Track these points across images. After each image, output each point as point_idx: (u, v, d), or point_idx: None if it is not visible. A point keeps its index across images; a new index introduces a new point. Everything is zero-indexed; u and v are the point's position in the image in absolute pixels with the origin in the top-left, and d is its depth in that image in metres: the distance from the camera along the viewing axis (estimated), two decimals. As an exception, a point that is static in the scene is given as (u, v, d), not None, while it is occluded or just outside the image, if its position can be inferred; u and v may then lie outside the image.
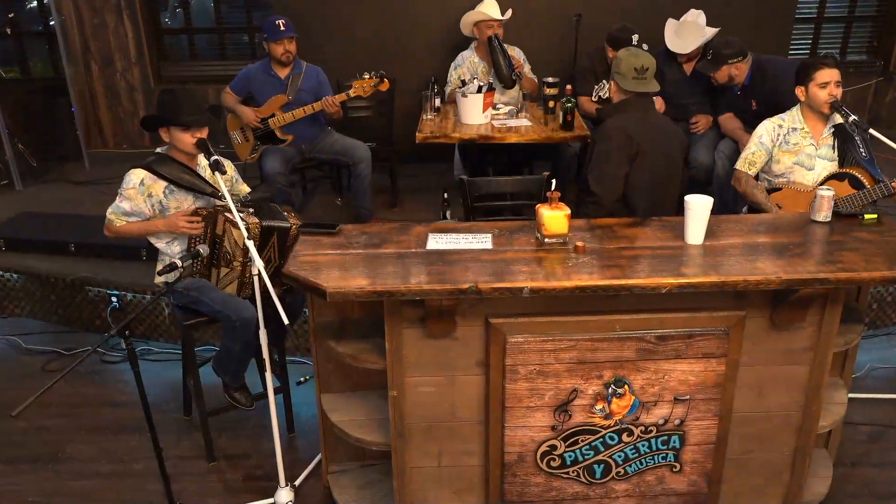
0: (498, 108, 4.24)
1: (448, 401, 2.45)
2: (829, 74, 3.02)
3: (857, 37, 6.40)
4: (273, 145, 4.24)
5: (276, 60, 4.16)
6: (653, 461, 2.50)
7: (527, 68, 4.63)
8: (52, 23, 5.70)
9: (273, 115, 4.18)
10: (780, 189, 3.17)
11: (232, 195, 3.08)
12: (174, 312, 3.03)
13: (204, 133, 2.77)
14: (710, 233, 2.50)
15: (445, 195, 3.31)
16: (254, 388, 3.20)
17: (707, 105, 4.41)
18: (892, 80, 6.15)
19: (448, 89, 4.55)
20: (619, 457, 2.49)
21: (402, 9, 5.17)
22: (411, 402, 2.44)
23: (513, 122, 4.04)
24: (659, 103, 4.32)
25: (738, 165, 3.24)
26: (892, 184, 2.88)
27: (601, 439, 2.45)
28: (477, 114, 3.94)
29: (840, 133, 3.11)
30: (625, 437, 2.46)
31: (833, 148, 3.13)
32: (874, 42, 6.32)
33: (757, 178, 3.33)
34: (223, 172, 2.60)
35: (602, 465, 2.50)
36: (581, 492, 2.53)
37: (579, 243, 2.39)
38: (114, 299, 4.01)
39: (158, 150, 2.93)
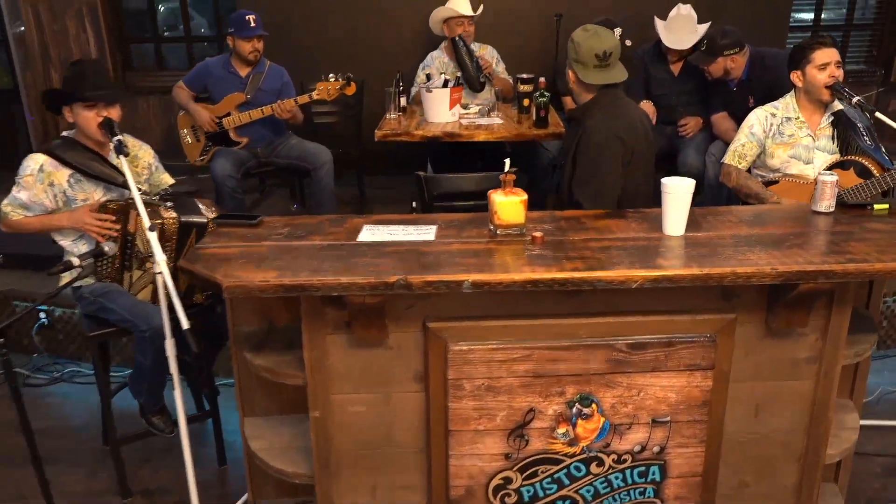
0: (468, 108, 3.90)
1: (383, 423, 2.05)
2: (828, 54, 2.68)
3: (856, 45, 6.10)
4: (226, 147, 3.89)
5: (239, 57, 3.84)
6: (628, 497, 2.09)
7: (500, 68, 4.30)
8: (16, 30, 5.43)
9: (228, 115, 3.84)
10: (776, 182, 2.80)
11: (152, 187, 2.73)
12: (83, 323, 2.64)
13: (113, 113, 2.42)
14: (694, 224, 2.12)
15: (414, 204, 2.96)
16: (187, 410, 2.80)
17: (697, 106, 4.06)
18: (895, 89, 5.82)
19: (415, 90, 4.22)
20: (588, 492, 2.07)
21: (375, 7, 4.88)
22: (338, 424, 2.05)
23: (483, 121, 3.69)
24: (649, 108, 3.99)
25: (726, 159, 2.88)
26: None
27: (565, 470, 2.04)
28: (443, 110, 3.59)
29: (840, 121, 2.76)
30: (594, 468, 2.05)
31: (833, 138, 2.77)
32: (873, 51, 6.02)
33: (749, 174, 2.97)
34: (125, 154, 2.24)
35: (567, 503, 2.08)
36: (543, 534, 2.12)
37: (537, 233, 2.01)
38: (42, 315, 3.62)
39: (64, 133, 2.58)
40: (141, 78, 6.02)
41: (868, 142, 2.70)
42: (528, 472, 2.04)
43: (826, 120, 2.79)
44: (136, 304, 2.46)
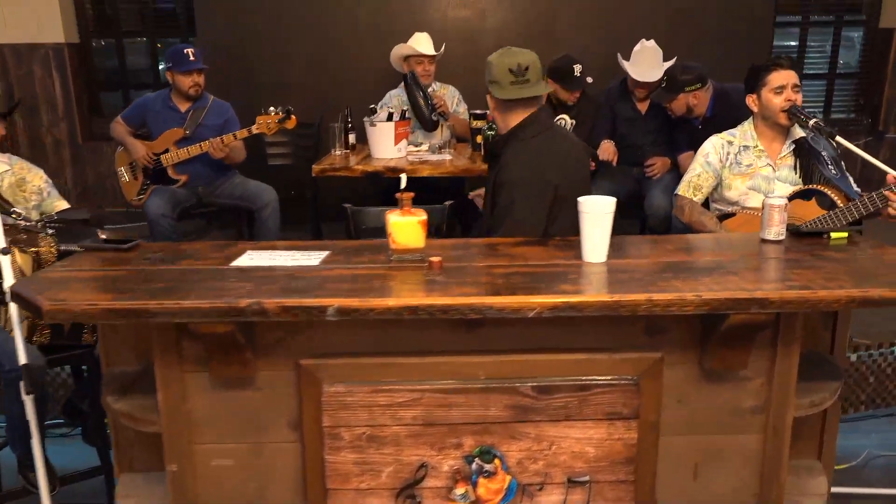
0: (419, 145, 3.70)
1: (254, 479, 1.75)
2: (784, 76, 2.46)
3: (841, 94, 5.93)
4: (164, 185, 3.69)
5: (179, 93, 3.67)
6: (545, 573, 1.76)
7: (461, 108, 4.12)
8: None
9: (166, 151, 3.66)
10: (733, 215, 2.54)
11: (41, 213, 2.51)
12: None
13: (-6, 129, 2.22)
14: (622, 250, 1.86)
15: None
16: (81, 462, 2.51)
17: (664, 146, 3.85)
18: (883, 138, 5.61)
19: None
20: (496, 566, 1.74)
21: (338, 45, 4.77)
22: (202, 480, 1.74)
23: (433, 157, 3.47)
24: (609, 148, 3.77)
25: (680, 190, 2.64)
26: (886, 191, 2.24)
27: (467, 539, 1.72)
28: (388, 146, 3.38)
29: (802, 150, 2.52)
30: (501, 537, 1.73)
31: (795, 168, 2.53)
32: (860, 99, 5.85)
33: (707, 207, 2.72)
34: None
35: (472, 578, 1.75)
36: None
37: (435, 258, 1.75)
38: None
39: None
40: (108, 125, 5.90)
41: (833, 171, 2.45)
42: (422, 542, 1.72)
43: (787, 148, 2.55)
44: (4, 342, 2.19)
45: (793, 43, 5.91)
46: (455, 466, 1.67)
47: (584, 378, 1.64)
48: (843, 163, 2.53)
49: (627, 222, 3.74)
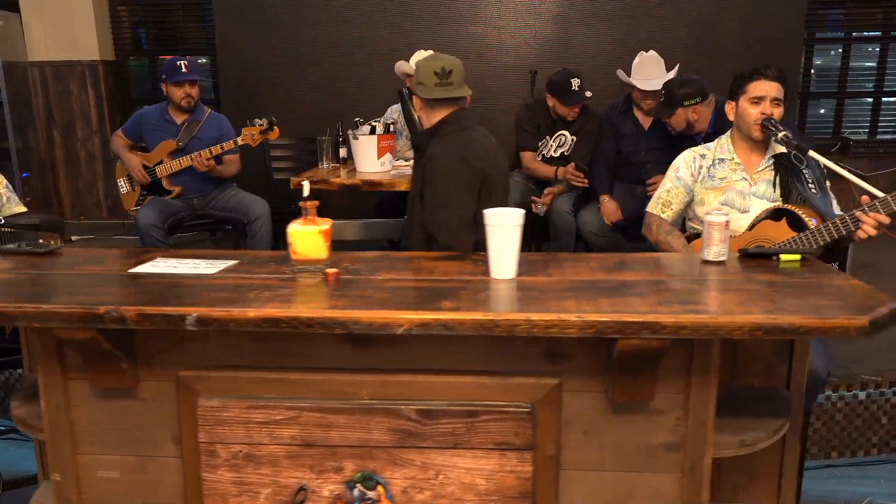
0: (409, 159, 3.63)
1: (140, 494, 1.68)
2: (765, 87, 2.28)
3: (889, 114, 5.57)
4: (159, 196, 3.74)
5: (174, 105, 3.73)
6: None
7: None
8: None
9: (161, 163, 3.71)
10: (699, 236, 2.35)
11: (3, 216, 2.56)
12: None
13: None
14: (539, 268, 1.73)
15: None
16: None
17: (668, 164, 3.65)
18: (932, 160, 5.22)
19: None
20: None
21: (355, 62, 4.79)
22: (87, 492, 1.69)
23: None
24: (609, 212, 3.54)
25: (650, 207, 2.47)
26: (858, 213, 2.04)
27: (351, 572, 1.61)
28: (370, 159, 3.32)
29: (782, 165, 2.31)
30: (388, 571, 1.60)
31: (774, 184, 2.32)
32: (909, 120, 5.47)
33: (684, 228, 2.54)
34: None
35: None
36: None
37: (331, 270, 1.66)
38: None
39: None
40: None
41: (813, 190, 2.24)
42: (304, 571, 1.61)
43: (766, 162, 2.35)
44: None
45: (836, 62, 5.60)
46: (336, 492, 1.57)
47: (473, 403, 1.51)
48: (827, 183, 2.32)
49: (632, 246, 3.54)
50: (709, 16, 4.60)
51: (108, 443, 1.66)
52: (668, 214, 2.43)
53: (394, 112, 4.05)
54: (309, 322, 1.41)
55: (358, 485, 1.56)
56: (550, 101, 3.70)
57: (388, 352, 1.54)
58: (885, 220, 2.03)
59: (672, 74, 3.66)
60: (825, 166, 2.32)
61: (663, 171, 3.60)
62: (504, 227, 1.62)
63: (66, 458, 1.66)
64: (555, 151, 3.81)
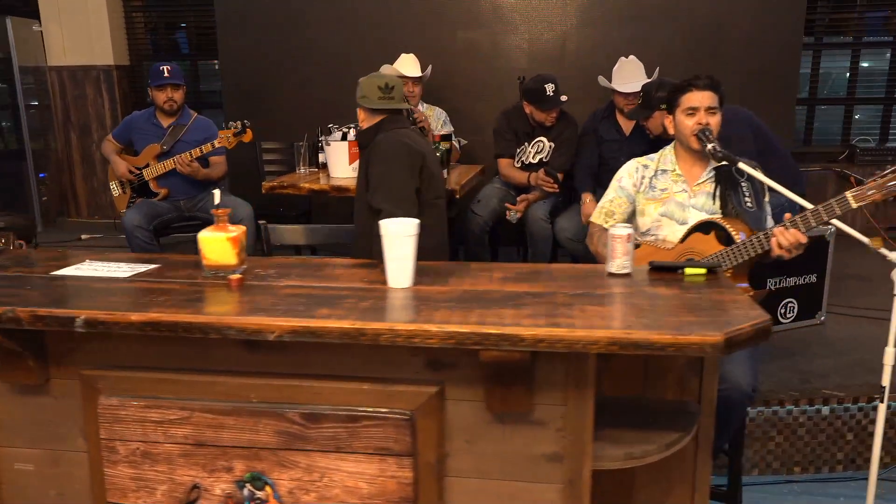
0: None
1: (55, 487, 1.77)
2: (698, 98, 2.26)
3: (900, 121, 5.42)
4: (147, 199, 3.86)
5: (159, 108, 3.86)
6: None
7: (446, 131, 4.07)
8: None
9: (147, 166, 3.84)
10: (638, 246, 2.35)
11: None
12: None
13: None
14: (440, 276, 1.77)
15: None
16: None
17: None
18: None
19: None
20: None
21: (354, 67, 4.82)
22: (7, 484, 1.78)
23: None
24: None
25: (593, 217, 2.47)
26: (775, 230, 2.02)
27: (243, 569, 1.66)
28: (342, 165, 3.38)
29: (722, 177, 2.29)
30: (276, 570, 1.66)
31: (714, 196, 2.30)
32: (921, 127, 5.32)
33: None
34: None
35: None
36: None
37: (234, 276, 1.72)
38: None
39: None
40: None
41: (748, 203, 2.21)
42: (199, 566, 1.68)
43: (707, 174, 2.33)
44: None
45: (844, 64, 5.48)
46: (227, 491, 1.63)
47: (355, 409, 1.55)
48: (766, 197, 2.29)
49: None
50: (707, 23, 4.55)
51: (24, 436, 1.75)
52: (609, 223, 2.43)
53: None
54: (186, 327, 1.47)
55: (247, 484, 1.62)
56: (528, 108, 3.71)
57: (277, 357, 1.59)
58: (802, 238, 2.00)
59: (655, 74, 3.64)
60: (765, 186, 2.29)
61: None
62: (397, 237, 1.66)
63: (-14, 450, 1.76)
64: (533, 158, 3.81)
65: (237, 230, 1.79)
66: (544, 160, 3.80)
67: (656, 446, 1.66)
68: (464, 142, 4.29)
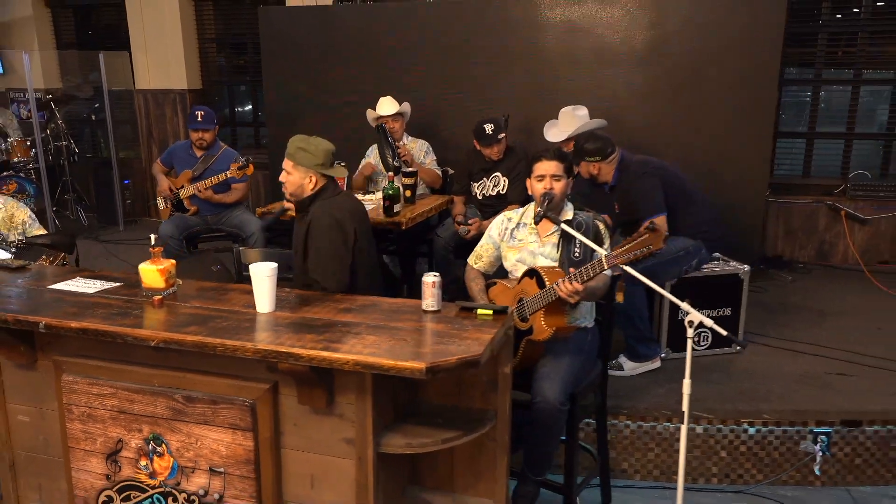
0: (363, 193, 4.38)
1: (41, 434, 2.58)
2: (545, 167, 2.79)
3: (896, 156, 5.51)
4: (181, 213, 4.75)
5: (193, 143, 4.74)
6: (201, 536, 2.38)
7: (429, 160, 4.71)
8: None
9: (182, 187, 4.72)
10: (494, 284, 2.91)
11: (22, 235, 3.57)
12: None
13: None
14: (300, 307, 2.43)
15: (217, 267, 3.51)
16: None
17: (589, 203, 4.11)
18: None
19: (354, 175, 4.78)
20: (170, 523, 2.41)
21: (365, 102, 5.56)
22: (14, 429, 2.61)
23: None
24: None
25: (469, 259, 3.04)
26: (564, 283, 2.53)
27: (150, 499, 2.41)
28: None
29: (564, 232, 2.81)
30: (171, 503, 2.38)
31: (557, 247, 2.83)
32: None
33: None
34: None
35: (155, 530, 2.43)
36: (141, 555, 2.47)
37: (157, 297, 2.46)
38: None
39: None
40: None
41: (576, 254, 2.73)
42: (123, 495, 2.43)
43: (554, 228, 2.85)
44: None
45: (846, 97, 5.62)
46: (138, 445, 2.37)
47: (217, 395, 2.25)
48: (597, 252, 2.73)
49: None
50: (689, 59, 4.89)
51: (23, 397, 2.56)
52: (479, 265, 3.00)
53: (373, 150, 4.78)
54: (103, 333, 2.21)
55: (151, 442, 2.35)
56: (476, 146, 4.31)
57: (170, 355, 2.29)
58: (579, 287, 2.50)
59: (595, 124, 4.11)
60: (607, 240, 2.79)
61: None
62: (259, 276, 2.34)
63: (2, 406, 2.59)
64: (491, 190, 4.39)
65: (166, 263, 2.52)
66: (501, 192, 4.36)
67: (433, 441, 2.25)
68: (450, 171, 4.90)
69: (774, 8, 4.66)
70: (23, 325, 2.32)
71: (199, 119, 4.62)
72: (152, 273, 2.50)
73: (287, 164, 3.02)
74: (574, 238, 2.74)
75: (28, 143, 6.63)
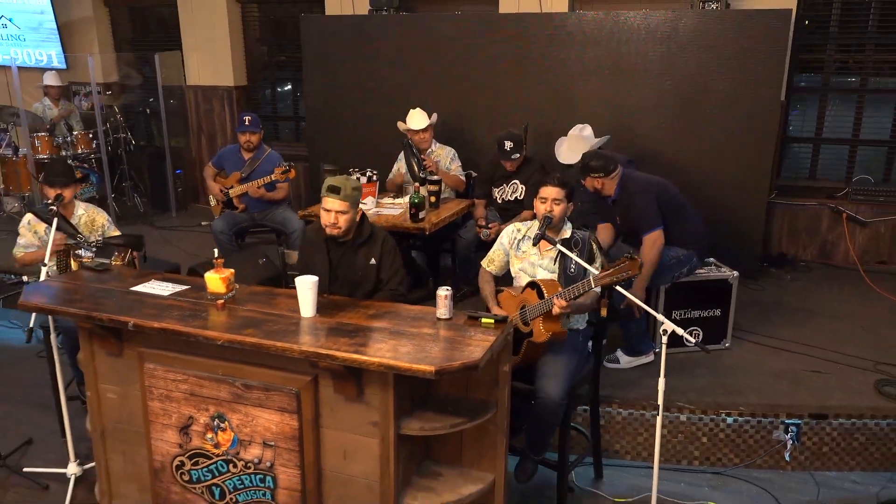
0: (393, 197, 4.89)
1: (126, 408, 3.16)
2: (548, 192, 3.24)
3: (899, 162, 5.79)
4: (231, 210, 5.31)
5: (241, 145, 5.28)
6: (255, 495, 2.94)
7: (454, 166, 5.17)
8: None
9: (232, 187, 5.27)
10: (502, 292, 3.39)
11: (102, 236, 4.13)
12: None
13: (66, 191, 3.87)
14: (332, 309, 2.96)
15: (262, 260, 4.05)
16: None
17: (594, 210, 4.52)
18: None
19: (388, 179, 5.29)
20: (230, 484, 2.97)
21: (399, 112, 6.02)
22: (103, 403, 3.20)
23: (385, 211, 4.64)
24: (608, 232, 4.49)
25: (483, 262, 3.51)
26: (557, 301, 3.00)
27: (215, 465, 2.97)
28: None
29: (563, 248, 3.26)
30: (231, 468, 2.95)
31: (554, 260, 3.29)
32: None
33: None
34: (48, 223, 3.64)
35: (219, 489, 3.00)
36: (207, 509, 3.05)
37: (220, 301, 3.00)
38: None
39: (47, 202, 4.07)
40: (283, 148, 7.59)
41: (571, 270, 3.19)
42: (193, 461, 3.00)
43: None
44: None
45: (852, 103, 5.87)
46: (206, 421, 2.93)
47: (269, 384, 2.79)
48: (590, 268, 3.18)
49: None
50: (698, 72, 5.25)
51: (112, 379, 3.14)
52: (491, 268, 3.48)
53: (402, 158, 5.25)
54: (175, 332, 2.76)
55: (216, 419, 2.91)
56: (497, 156, 4.77)
57: (232, 350, 2.83)
58: (564, 303, 2.97)
59: (600, 142, 4.53)
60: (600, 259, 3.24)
61: (590, 221, 4.54)
62: (303, 286, 2.86)
63: (93, 385, 3.17)
64: (510, 196, 4.85)
65: (226, 272, 3.06)
66: (519, 198, 4.82)
67: (443, 425, 2.77)
68: (474, 174, 5.36)
69: (780, 24, 4.98)
70: (115, 324, 2.88)
71: (247, 123, 5.15)
72: (216, 281, 3.04)
73: (343, 205, 3.29)
74: (570, 255, 3.20)
75: (90, 136, 7.26)
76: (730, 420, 3.78)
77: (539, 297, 3.13)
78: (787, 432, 3.75)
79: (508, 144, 4.62)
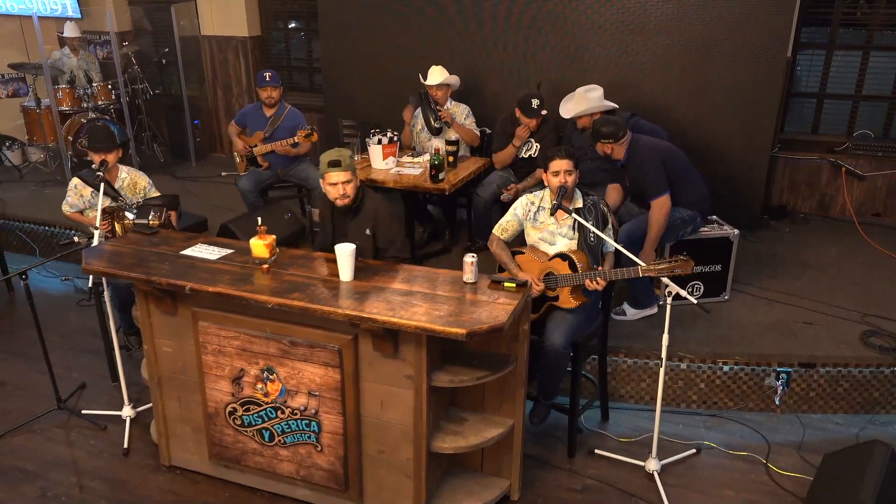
0: (412, 156, 5.12)
1: (180, 360, 3.50)
2: (559, 164, 3.48)
3: (898, 117, 5.96)
4: (255, 167, 5.54)
5: (263, 102, 5.47)
6: (301, 438, 3.31)
7: (468, 121, 5.38)
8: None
9: (256, 146, 5.49)
10: (522, 252, 3.67)
11: (143, 198, 4.40)
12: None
13: (109, 156, 4.12)
14: (368, 273, 3.25)
15: (288, 215, 4.33)
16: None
17: (606, 173, 4.76)
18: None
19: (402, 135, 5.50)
20: (279, 428, 3.34)
21: (418, 66, 6.15)
22: (159, 355, 3.54)
23: (405, 171, 4.88)
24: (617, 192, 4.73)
25: (494, 229, 3.78)
26: (598, 279, 3.31)
27: (265, 411, 3.33)
28: (378, 160, 4.87)
29: (579, 216, 3.53)
30: (280, 414, 3.31)
31: (573, 228, 3.56)
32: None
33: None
34: (97, 184, 3.91)
35: (268, 432, 3.37)
36: (258, 449, 3.42)
37: (265, 266, 3.30)
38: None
39: (93, 166, 4.32)
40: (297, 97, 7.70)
41: (591, 238, 3.46)
42: (245, 407, 3.36)
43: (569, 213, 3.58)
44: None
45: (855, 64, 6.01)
46: (257, 374, 3.27)
47: (314, 342, 3.11)
48: (606, 234, 3.46)
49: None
50: (706, 29, 5.37)
51: (167, 335, 3.47)
52: (504, 236, 3.75)
53: (420, 112, 5.44)
54: (228, 295, 3.07)
55: (265, 371, 3.25)
56: (518, 114, 4.96)
57: (280, 311, 3.15)
58: (600, 285, 3.29)
59: (599, 106, 4.73)
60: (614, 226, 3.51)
61: (600, 179, 4.78)
62: (342, 255, 3.15)
63: (150, 340, 3.51)
64: (524, 154, 5.08)
65: (269, 238, 3.34)
66: (532, 156, 5.05)
67: (469, 378, 3.10)
68: (488, 131, 5.57)
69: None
70: (173, 287, 3.19)
71: (268, 79, 5.33)
72: (260, 247, 3.34)
73: (346, 175, 3.50)
74: (588, 224, 3.47)
75: (109, 87, 7.41)
76: (726, 368, 4.13)
77: (572, 269, 3.42)
78: (777, 379, 4.10)
79: (536, 102, 4.82)
